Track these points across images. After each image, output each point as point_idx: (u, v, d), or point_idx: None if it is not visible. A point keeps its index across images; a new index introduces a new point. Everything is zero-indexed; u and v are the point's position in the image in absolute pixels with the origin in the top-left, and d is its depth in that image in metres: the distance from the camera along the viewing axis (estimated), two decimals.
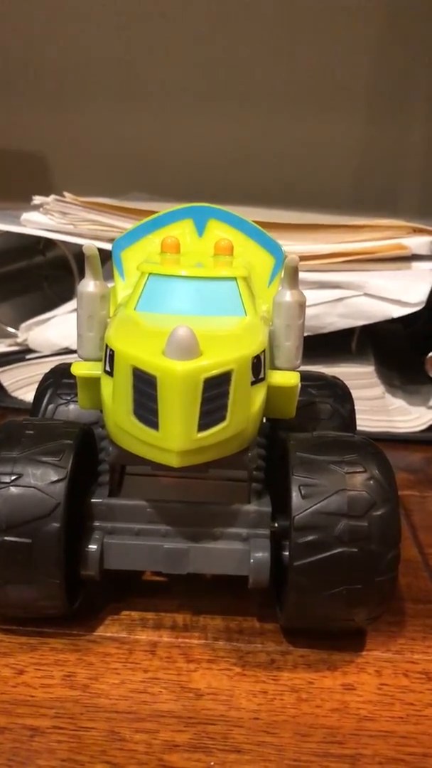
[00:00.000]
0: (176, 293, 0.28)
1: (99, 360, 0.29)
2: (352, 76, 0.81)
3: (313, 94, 0.81)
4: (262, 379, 0.27)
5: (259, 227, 0.32)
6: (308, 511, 0.25)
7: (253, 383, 0.26)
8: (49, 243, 0.59)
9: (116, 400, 0.26)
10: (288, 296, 0.29)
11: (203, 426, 0.25)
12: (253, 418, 0.27)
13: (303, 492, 0.25)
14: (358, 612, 0.26)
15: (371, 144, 0.82)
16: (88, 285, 0.29)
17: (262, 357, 0.27)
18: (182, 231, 0.32)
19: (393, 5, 0.78)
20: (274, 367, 0.29)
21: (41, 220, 0.52)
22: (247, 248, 0.32)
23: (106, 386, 0.27)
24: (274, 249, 0.32)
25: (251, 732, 0.24)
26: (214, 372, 0.24)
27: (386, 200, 0.79)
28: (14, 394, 0.51)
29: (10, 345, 0.54)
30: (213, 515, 0.28)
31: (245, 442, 0.27)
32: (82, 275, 0.53)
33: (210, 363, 0.24)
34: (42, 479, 0.26)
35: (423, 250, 0.51)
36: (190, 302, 0.28)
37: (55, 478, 0.26)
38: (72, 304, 0.52)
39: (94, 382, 0.28)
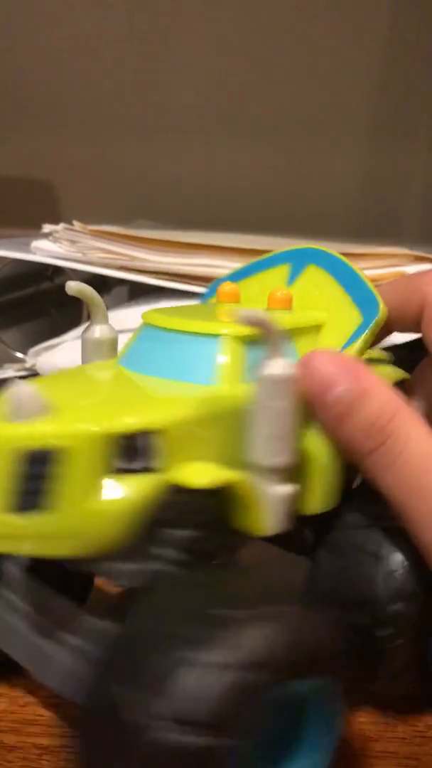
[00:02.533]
0: (156, 348, 0.24)
1: None
2: (355, 104, 0.82)
3: (317, 122, 0.83)
4: (148, 470, 0.20)
5: (364, 277, 0.27)
6: None
7: (120, 471, 0.20)
8: (58, 269, 0.60)
9: None
10: (265, 368, 0.22)
11: (20, 508, 0.19)
12: (112, 518, 0.20)
13: None
14: None
15: (373, 172, 0.84)
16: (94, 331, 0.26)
17: (147, 439, 0.20)
18: (275, 277, 0.28)
19: (396, 34, 0.80)
20: (251, 463, 0.23)
21: (51, 248, 0.53)
22: (335, 302, 0.26)
23: None
24: (367, 305, 0.26)
25: None
26: (37, 445, 0.19)
27: (388, 228, 0.80)
28: None
29: (19, 370, 0.55)
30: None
31: (102, 547, 0.20)
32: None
33: (35, 432, 0.19)
34: None
35: None
36: (161, 360, 0.24)
37: None
38: (80, 330, 0.53)
39: None
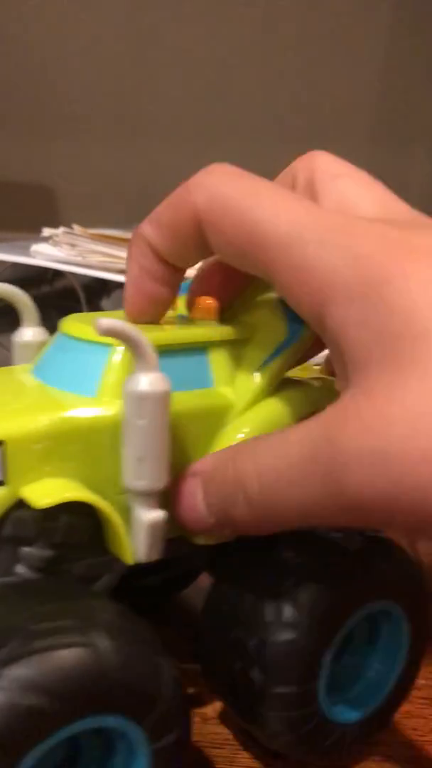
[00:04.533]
0: (58, 356, 0.23)
1: None
2: (355, 108, 0.83)
3: (316, 127, 0.83)
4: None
5: None
6: None
7: None
8: (58, 273, 0.61)
9: None
10: (130, 383, 0.20)
11: None
12: None
13: None
14: None
15: (373, 176, 0.84)
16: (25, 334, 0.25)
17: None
18: None
19: (396, 37, 0.80)
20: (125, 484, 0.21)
21: (51, 251, 0.53)
22: (268, 314, 0.24)
23: None
24: (295, 321, 0.23)
25: (257, 756, 0.24)
26: None
27: None
28: None
29: None
30: None
31: None
32: (89, 305, 0.51)
33: None
34: None
35: None
36: (58, 368, 0.23)
37: None
38: None
39: None
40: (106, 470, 0.21)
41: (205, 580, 0.30)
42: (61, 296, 0.64)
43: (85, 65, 0.83)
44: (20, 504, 0.20)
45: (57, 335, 0.24)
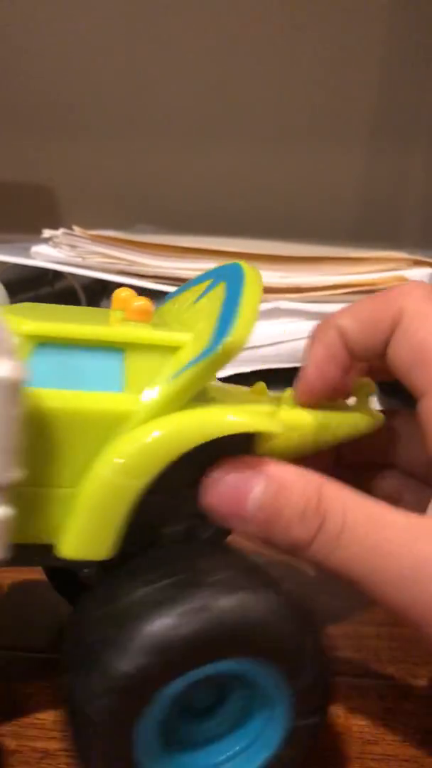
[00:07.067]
0: None
1: None
2: (355, 107, 0.83)
3: (316, 126, 0.83)
4: None
5: (246, 298, 0.22)
6: None
7: None
8: (58, 274, 0.61)
9: None
10: None
11: None
12: None
13: None
14: None
15: (373, 176, 0.84)
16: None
17: None
18: (193, 295, 0.26)
19: (396, 37, 0.80)
20: None
21: (51, 253, 0.54)
22: (207, 323, 0.23)
23: None
24: (218, 332, 0.21)
25: None
26: None
27: (387, 232, 0.80)
28: None
29: None
30: None
31: None
32: (90, 306, 0.51)
33: None
34: None
35: None
36: None
37: None
38: None
39: None
40: None
41: None
42: (61, 297, 0.64)
43: (86, 65, 0.83)
44: None
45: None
